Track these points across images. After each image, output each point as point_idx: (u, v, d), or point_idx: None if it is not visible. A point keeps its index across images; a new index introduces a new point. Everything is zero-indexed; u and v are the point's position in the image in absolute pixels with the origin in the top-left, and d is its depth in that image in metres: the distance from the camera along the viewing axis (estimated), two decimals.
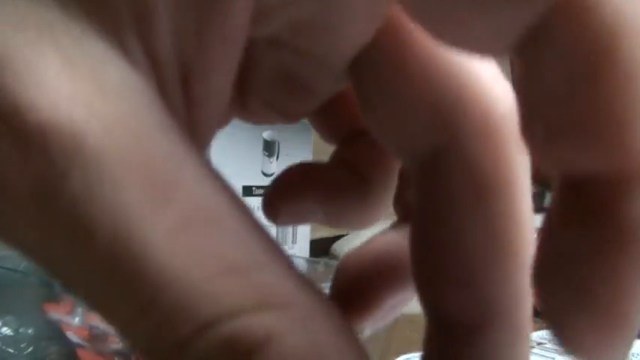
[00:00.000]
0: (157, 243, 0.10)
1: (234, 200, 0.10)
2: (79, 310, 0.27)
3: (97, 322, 0.27)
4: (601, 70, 0.10)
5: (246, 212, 0.11)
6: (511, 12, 0.10)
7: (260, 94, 0.15)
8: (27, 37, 0.10)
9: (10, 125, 0.09)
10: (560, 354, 0.32)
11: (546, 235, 0.12)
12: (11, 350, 0.31)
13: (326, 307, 0.11)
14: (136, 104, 0.10)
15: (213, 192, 0.10)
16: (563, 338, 0.11)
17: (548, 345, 0.33)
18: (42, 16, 0.10)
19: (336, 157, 0.18)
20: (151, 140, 0.10)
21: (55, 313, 0.29)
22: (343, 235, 0.86)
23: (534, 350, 0.32)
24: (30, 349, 0.31)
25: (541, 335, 0.36)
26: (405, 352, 0.31)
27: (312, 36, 0.13)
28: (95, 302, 0.10)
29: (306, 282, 0.11)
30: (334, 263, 0.42)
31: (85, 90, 0.10)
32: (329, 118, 0.18)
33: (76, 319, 0.27)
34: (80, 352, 0.28)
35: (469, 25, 0.11)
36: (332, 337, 0.10)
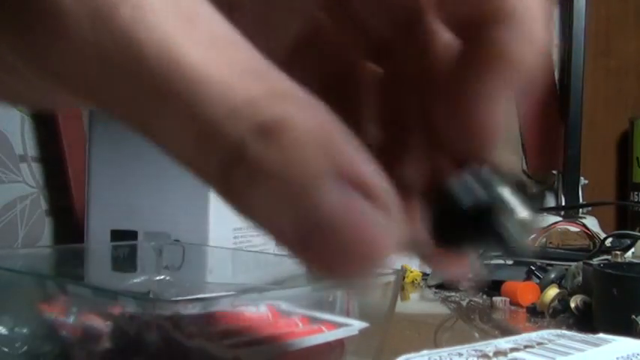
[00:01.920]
0: (191, 50, 0.13)
1: (237, 33, 0.14)
2: (74, 309, 0.26)
3: (91, 322, 0.26)
4: None
5: (245, 40, 0.14)
6: None
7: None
8: None
9: None
10: (560, 354, 0.31)
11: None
12: (6, 349, 0.31)
13: (317, 100, 0.14)
14: None
15: (224, 22, 0.14)
16: None
17: (549, 345, 0.33)
18: None
19: None
20: None
21: (50, 312, 0.28)
22: None
23: (534, 350, 0.32)
24: (25, 349, 0.30)
25: (541, 335, 0.35)
26: (405, 352, 0.31)
27: None
28: (149, 119, 0.13)
29: (301, 89, 0.14)
30: None
31: None
32: None
33: (70, 319, 0.27)
34: (73, 352, 0.28)
35: None
36: (334, 122, 0.13)
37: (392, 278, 0.34)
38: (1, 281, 0.31)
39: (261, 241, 0.53)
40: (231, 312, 0.32)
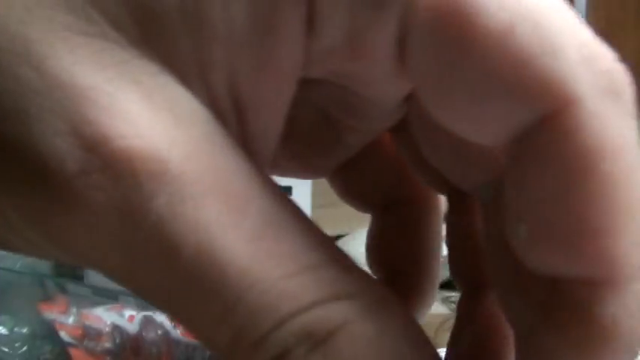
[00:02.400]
0: (238, 250, 0.11)
1: (295, 208, 0.12)
2: (74, 309, 0.26)
3: (91, 321, 0.27)
4: (581, 184, 0.11)
5: (306, 218, 0.12)
6: (508, 109, 0.11)
7: (290, 145, 0.16)
8: (107, 74, 0.11)
9: (99, 153, 0.10)
10: None
11: (525, 334, 0.13)
12: (6, 349, 0.31)
13: (389, 296, 0.12)
14: (207, 130, 0.11)
15: (278, 202, 0.11)
16: None
17: None
18: (119, 55, 0.11)
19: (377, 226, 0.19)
20: (222, 161, 0.11)
21: (50, 312, 0.29)
22: (344, 235, 0.86)
23: None
24: (24, 348, 0.30)
25: None
26: None
27: (359, 80, 0.13)
28: (179, 312, 0.11)
29: (369, 276, 0.12)
30: None
31: (164, 119, 0.11)
32: (359, 182, 0.18)
33: (70, 319, 0.27)
34: (72, 352, 0.28)
35: (471, 115, 0.11)
36: (399, 323, 0.12)
37: None
38: (1, 282, 0.31)
39: None
40: None
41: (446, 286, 0.71)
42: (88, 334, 0.26)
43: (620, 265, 0.11)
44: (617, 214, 0.11)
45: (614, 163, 0.11)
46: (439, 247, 0.19)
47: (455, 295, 0.66)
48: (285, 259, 0.11)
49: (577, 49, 0.11)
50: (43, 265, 0.41)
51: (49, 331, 0.28)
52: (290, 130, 0.14)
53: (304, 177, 0.18)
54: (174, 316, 0.12)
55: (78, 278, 0.42)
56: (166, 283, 0.11)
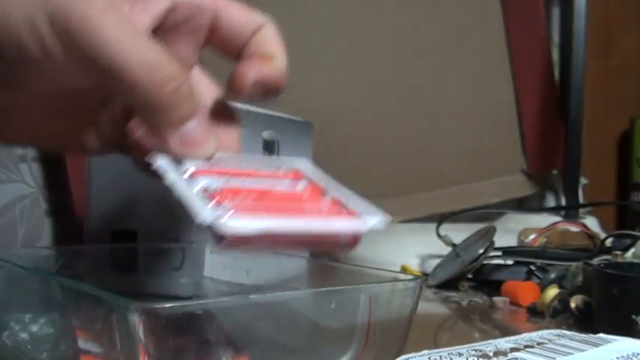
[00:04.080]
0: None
1: None
2: (99, 317, 0.26)
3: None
4: None
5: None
6: None
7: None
8: None
9: None
10: (560, 354, 0.31)
11: None
12: (29, 346, 0.31)
13: None
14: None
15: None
16: None
17: (549, 345, 0.33)
18: None
19: None
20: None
21: (76, 318, 0.28)
22: None
23: (534, 350, 0.32)
24: (49, 350, 0.31)
25: (541, 335, 0.35)
26: (405, 352, 0.31)
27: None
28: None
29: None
30: (334, 263, 0.42)
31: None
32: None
33: (97, 326, 0.27)
34: (84, 358, 0.28)
35: None
36: None
37: (412, 284, 0.34)
38: (35, 282, 0.31)
39: None
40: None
41: (446, 286, 0.71)
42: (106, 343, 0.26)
43: None
44: None
45: None
46: None
47: (455, 295, 0.66)
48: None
49: None
50: (44, 266, 0.41)
51: (71, 336, 0.28)
52: None
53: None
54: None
55: (78, 279, 0.41)
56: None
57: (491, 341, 0.34)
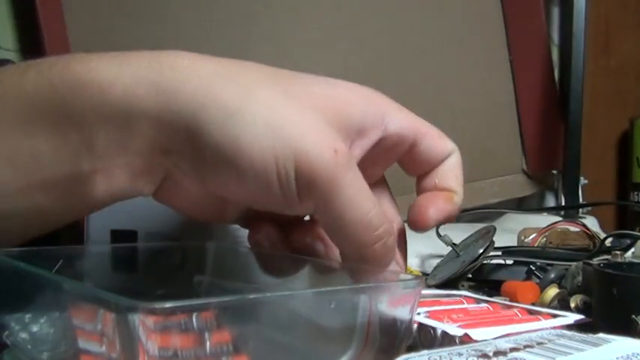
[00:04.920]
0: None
1: None
2: (99, 317, 0.26)
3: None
4: None
5: None
6: None
7: None
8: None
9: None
10: (560, 354, 0.31)
11: None
12: (29, 346, 0.31)
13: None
14: None
15: None
16: None
17: (549, 345, 0.33)
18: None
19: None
20: None
21: (77, 318, 0.28)
22: None
23: (534, 350, 0.32)
24: (49, 350, 0.31)
25: (541, 335, 0.35)
26: (404, 352, 0.31)
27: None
28: None
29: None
30: (334, 263, 0.42)
31: None
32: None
33: (97, 327, 0.27)
34: (84, 358, 0.28)
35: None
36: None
37: (412, 284, 0.34)
38: (35, 282, 0.31)
39: None
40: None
41: (446, 285, 0.71)
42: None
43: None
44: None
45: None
46: None
47: (458, 294, 0.66)
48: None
49: None
50: (44, 266, 0.41)
51: (71, 336, 0.28)
52: None
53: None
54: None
55: (79, 278, 0.41)
56: None
57: (491, 341, 0.34)
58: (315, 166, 0.29)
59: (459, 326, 0.37)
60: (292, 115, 0.30)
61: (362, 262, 0.34)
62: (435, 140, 0.37)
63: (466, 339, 0.35)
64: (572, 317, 0.44)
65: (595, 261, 0.58)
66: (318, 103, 0.32)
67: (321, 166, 0.29)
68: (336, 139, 0.30)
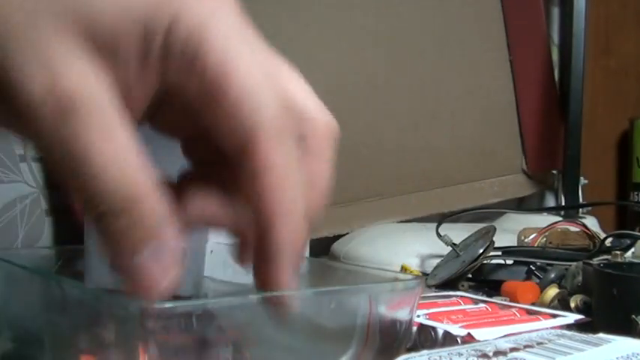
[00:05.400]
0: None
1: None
2: (99, 317, 0.26)
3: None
4: None
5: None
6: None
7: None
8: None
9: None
10: (560, 354, 0.31)
11: None
12: (29, 347, 0.31)
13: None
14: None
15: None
16: None
17: (549, 345, 0.33)
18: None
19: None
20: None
21: (74, 318, 0.29)
22: (343, 235, 0.86)
23: (534, 350, 0.32)
24: (49, 350, 0.31)
25: (541, 335, 0.35)
26: (405, 352, 0.31)
27: None
28: None
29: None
30: (334, 263, 0.42)
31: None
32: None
33: (97, 327, 0.27)
34: (84, 358, 0.28)
35: None
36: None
37: (412, 284, 0.34)
38: (35, 282, 0.31)
39: None
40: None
41: (446, 285, 0.71)
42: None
43: None
44: None
45: None
46: None
47: (455, 294, 0.65)
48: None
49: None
50: (44, 266, 0.41)
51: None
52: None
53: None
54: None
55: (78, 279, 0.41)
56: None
57: (491, 341, 0.34)
58: None
59: (461, 327, 0.37)
60: None
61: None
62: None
63: (468, 339, 0.35)
64: (572, 317, 0.44)
65: (595, 261, 0.58)
66: None
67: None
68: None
